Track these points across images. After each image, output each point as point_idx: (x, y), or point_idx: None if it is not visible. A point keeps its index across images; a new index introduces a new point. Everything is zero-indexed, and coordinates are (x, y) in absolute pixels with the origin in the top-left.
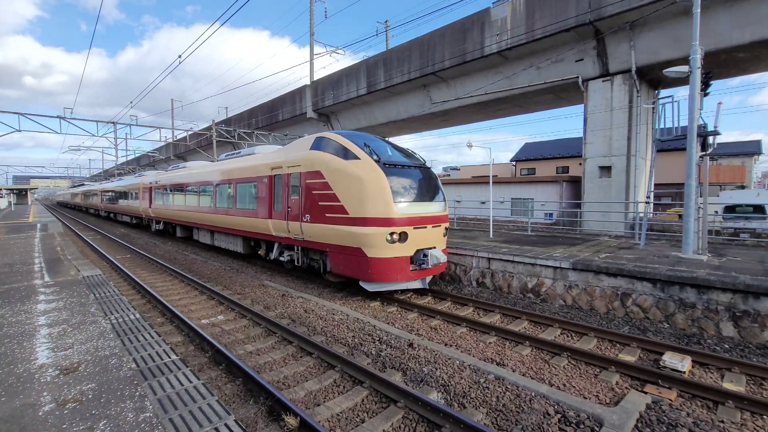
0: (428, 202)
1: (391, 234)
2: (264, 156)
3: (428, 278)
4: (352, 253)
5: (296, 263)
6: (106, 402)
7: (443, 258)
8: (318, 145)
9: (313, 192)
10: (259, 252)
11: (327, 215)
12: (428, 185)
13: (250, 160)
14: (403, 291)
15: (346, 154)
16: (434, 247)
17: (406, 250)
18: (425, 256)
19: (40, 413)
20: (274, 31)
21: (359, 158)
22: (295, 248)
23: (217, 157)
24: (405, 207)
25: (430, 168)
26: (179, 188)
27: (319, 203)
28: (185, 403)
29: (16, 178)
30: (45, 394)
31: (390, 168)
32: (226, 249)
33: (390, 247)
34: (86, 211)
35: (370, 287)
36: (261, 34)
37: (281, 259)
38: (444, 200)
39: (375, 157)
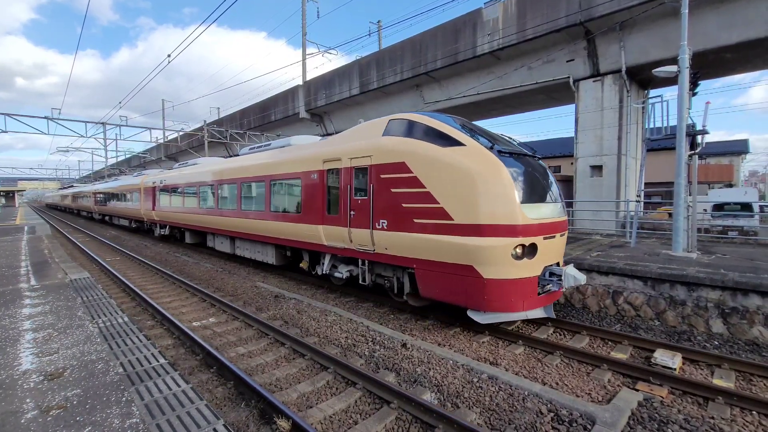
0: (552, 202)
1: (517, 247)
2: (308, 147)
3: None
4: (456, 272)
5: (361, 281)
6: (91, 408)
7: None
8: (396, 129)
9: (393, 190)
10: (301, 265)
11: (416, 221)
12: (547, 180)
13: (290, 153)
14: None
15: (443, 139)
16: (558, 263)
17: (534, 268)
18: (556, 275)
19: (22, 421)
20: (270, 32)
21: (463, 144)
22: (359, 262)
23: (238, 151)
24: (531, 210)
25: (540, 158)
26: (191, 188)
27: (403, 205)
28: (173, 407)
29: (3, 180)
30: (28, 400)
31: (506, 157)
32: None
33: (515, 265)
34: (78, 214)
35: (483, 318)
36: (257, 36)
37: (336, 275)
38: (562, 200)
39: (486, 142)
